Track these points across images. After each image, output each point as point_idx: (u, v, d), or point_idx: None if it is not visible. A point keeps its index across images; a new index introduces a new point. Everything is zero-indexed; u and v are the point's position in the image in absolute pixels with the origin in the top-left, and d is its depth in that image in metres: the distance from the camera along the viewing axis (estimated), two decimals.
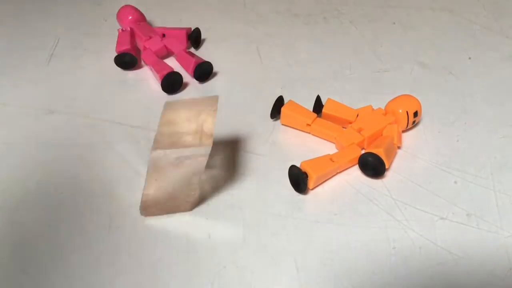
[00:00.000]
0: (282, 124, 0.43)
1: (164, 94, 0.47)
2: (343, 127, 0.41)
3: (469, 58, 0.52)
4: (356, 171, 0.38)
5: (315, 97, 0.43)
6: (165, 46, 0.50)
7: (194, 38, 0.53)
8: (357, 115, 0.41)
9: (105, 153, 0.40)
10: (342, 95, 0.46)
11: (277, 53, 0.53)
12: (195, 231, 0.34)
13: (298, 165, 0.36)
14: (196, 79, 0.48)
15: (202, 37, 0.55)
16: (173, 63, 0.50)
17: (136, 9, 0.54)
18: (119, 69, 0.50)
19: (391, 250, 0.32)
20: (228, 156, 0.40)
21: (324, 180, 0.37)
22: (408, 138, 0.41)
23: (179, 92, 0.48)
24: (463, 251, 0.32)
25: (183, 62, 0.49)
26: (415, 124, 0.42)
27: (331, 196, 0.36)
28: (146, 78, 0.49)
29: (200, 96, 0.37)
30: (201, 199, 0.36)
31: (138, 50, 0.52)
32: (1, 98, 0.47)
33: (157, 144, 0.30)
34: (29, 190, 0.37)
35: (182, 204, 0.34)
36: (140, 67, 0.51)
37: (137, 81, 0.49)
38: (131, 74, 0.50)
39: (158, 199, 0.33)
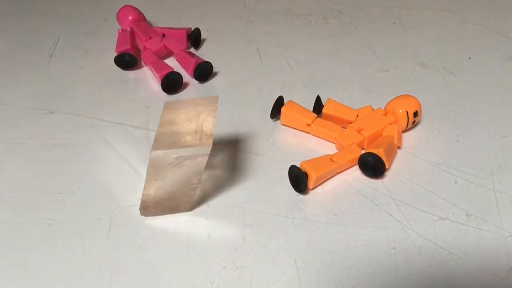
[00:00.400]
0: (282, 124, 0.43)
1: (164, 94, 0.47)
2: (343, 127, 0.41)
3: (469, 58, 0.52)
4: (356, 171, 0.38)
5: (315, 97, 0.43)
6: (165, 46, 0.50)
7: (194, 38, 0.53)
8: (357, 115, 0.41)
9: (105, 153, 0.40)
10: (342, 95, 0.46)
11: (277, 53, 0.53)
12: (195, 231, 0.34)
13: (298, 165, 0.36)
14: (196, 79, 0.48)
15: (202, 37, 0.55)
16: (173, 63, 0.50)
17: (136, 9, 0.54)
18: (119, 69, 0.50)
19: (391, 250, 0.32)
20: (228, 156, 0.40)
21: (324, 180, 0.37)
22: (408, 138, 0.41)
23: (179, 92, 0.48)
24: (463, 251, 0.32)
25: (183, 62, 0.49)
26: (415, 124, 0.42)
27: (331, 196, 0.36)
28: (146, 78, 0.49)
29: (200, 96, 0.37)
30: (201, 199, 0.36)
31: (138, 50, 0.52)
32: (1, 98, 0.47)
33: (157, 144, 0.30)
34: (29, 190, 0.37)
35: (182, 204, 0.34)
36: (140, 67, 0.51)
37: (137, 81, 0.49)
38: (131, 74, 0.50)
39: (158, 199, 0.33)
